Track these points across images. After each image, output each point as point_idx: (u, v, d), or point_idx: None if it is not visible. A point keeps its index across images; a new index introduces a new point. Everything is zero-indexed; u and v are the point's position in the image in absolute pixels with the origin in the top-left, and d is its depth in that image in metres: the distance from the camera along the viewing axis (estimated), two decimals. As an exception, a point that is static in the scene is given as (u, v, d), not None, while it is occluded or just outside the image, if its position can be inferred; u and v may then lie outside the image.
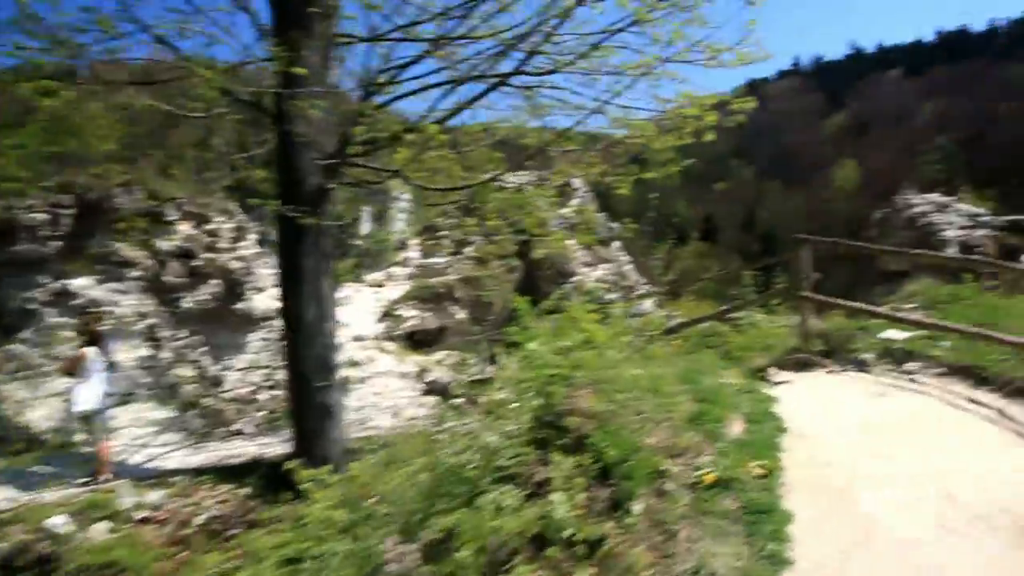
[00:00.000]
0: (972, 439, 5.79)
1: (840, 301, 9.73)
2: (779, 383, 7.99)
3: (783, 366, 8.81)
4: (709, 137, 7.98)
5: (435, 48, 7.64)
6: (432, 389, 15.32)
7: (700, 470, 4.78)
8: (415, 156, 8.16)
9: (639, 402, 5.25)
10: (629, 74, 7.87)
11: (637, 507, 4.41)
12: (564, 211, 17.74)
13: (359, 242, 25.21)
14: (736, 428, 5.71)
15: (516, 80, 8.24)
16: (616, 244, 19.65)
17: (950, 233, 13.23)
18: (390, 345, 17.93)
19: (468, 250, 19.32)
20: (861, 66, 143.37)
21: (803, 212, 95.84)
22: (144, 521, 8.53)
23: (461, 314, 18.57)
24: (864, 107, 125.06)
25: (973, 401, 6.71)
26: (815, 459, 5.31)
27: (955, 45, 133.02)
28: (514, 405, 4.96)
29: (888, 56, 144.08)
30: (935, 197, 14.15)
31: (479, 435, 4.65)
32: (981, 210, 14.08)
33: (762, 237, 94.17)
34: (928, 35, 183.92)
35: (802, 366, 8.76)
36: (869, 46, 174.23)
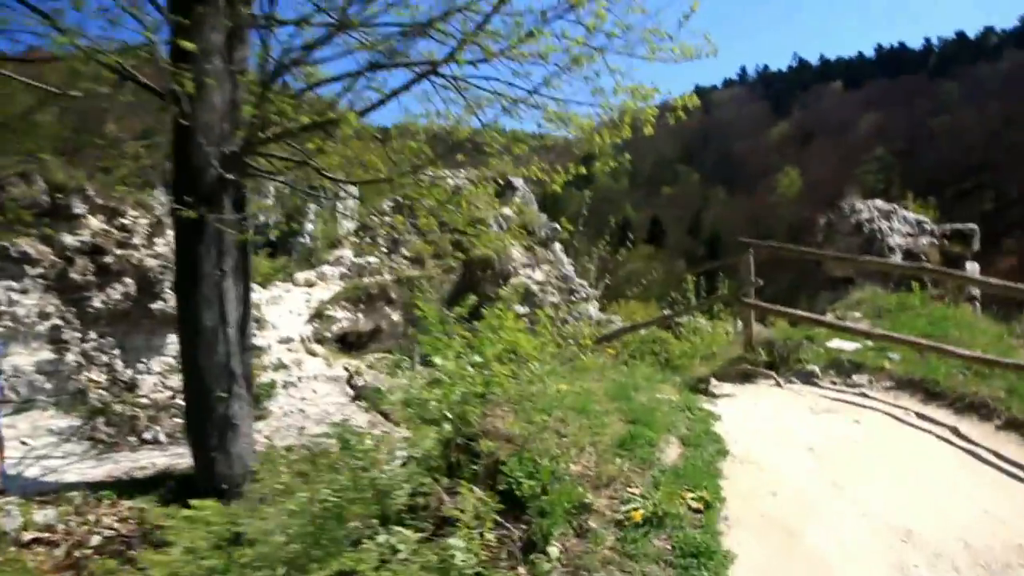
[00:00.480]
0: (928, 463, 5.32)
1: (785, 309, 9.32)
2: (721, 396, 7.43)
3: (726, 377, 8.31)
4: (648, 131, 7.41)
5: (342, 26, 6.85)
6: (362, 394, 14.58)
7: (629, 504, 4.16)
8: (323, 144, 7.38)
9: (562, 423, 4.63)
10: (564, 64, 7.23)
11: (554, 549, 3.80)
12: (503, 210, 17.19)
13: (304, 240, 24.44)
14: (672, 452, 5.11)
15: (446, 70, 7.54)
16: (558, 246, 19.13)
17: (895, 240, 12.98)
18: (319, 348, 17.10)
19: (403, 249, 18.61)
20: (804, 77, 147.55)
21: (747, 217, 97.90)
22: (32, 543, 7.70)
23: (396, 316, 17.85)
24: (807, 117, 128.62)
25: (925, 418, 6.30)
26: (760, 489, 4.73)
27: (893, 61, 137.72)
28: (419, 428, 4.28)
29: (830, 68, 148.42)
30: (879, 204, 13.93)
31: (372, 465, 3.95)
32: (924, 218, 13.91)
33: (707, 241, 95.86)
34: (868, 50, 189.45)
35: (746, 377, 8.28)
36: (812, 58, 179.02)
